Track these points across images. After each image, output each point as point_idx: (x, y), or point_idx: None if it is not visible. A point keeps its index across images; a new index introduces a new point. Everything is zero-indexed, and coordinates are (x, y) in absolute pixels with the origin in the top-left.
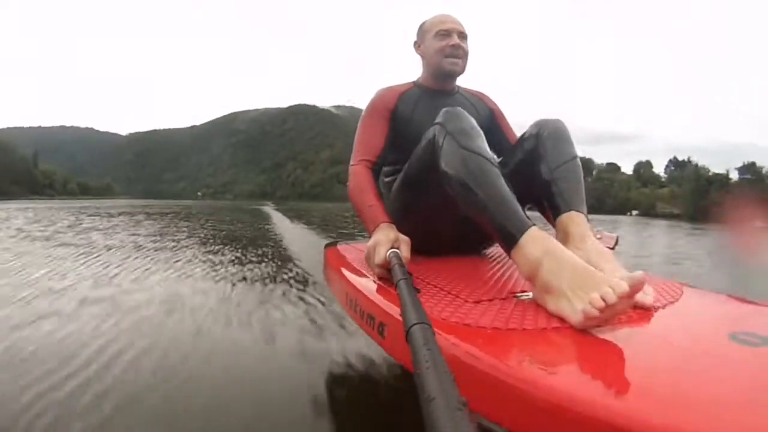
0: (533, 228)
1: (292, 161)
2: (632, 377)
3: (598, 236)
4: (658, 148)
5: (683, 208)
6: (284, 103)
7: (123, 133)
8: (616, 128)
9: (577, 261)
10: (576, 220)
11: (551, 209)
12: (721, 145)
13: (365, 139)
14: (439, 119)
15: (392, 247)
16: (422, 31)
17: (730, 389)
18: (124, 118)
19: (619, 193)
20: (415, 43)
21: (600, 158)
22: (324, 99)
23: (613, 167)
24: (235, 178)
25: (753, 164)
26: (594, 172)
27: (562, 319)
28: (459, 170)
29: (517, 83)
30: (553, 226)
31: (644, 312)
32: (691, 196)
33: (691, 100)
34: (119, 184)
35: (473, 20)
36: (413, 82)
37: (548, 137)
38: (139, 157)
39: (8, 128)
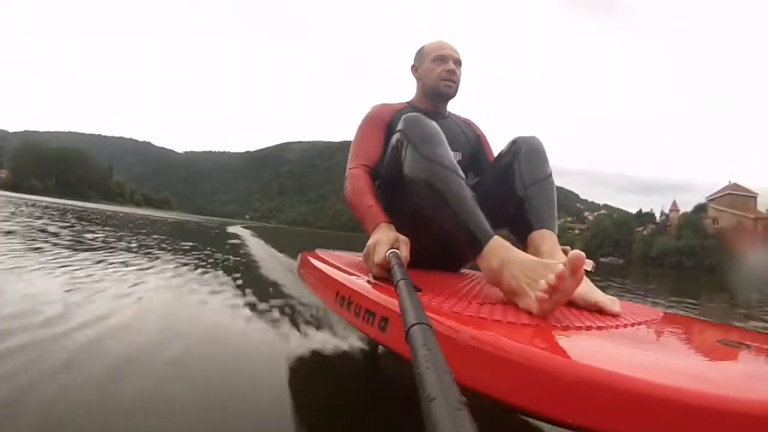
0: (492, 241)
1: (334, 195)
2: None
3: None
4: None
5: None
6: (335, 137)
7: (179, 150)
8: (667, 176)
9: (527, 257)
10: (547, 237)
11: (523, 225)
12: None
13: (363, 145)
14: (400, 126)
15: (392, 247)
16: (421, 55)
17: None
18: (180, 135)
19: None
20: (413, 66)
21: (652, 208)
22: None
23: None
24: (281, 206)
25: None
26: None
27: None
28: (421, 180)
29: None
30: (523, 243)
31: (628, 325)
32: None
33: (741, 145)
34: (172, 198)
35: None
36: (407, 102)
37: (524, 154)
38: (191, 176)
39: (69, 132)
